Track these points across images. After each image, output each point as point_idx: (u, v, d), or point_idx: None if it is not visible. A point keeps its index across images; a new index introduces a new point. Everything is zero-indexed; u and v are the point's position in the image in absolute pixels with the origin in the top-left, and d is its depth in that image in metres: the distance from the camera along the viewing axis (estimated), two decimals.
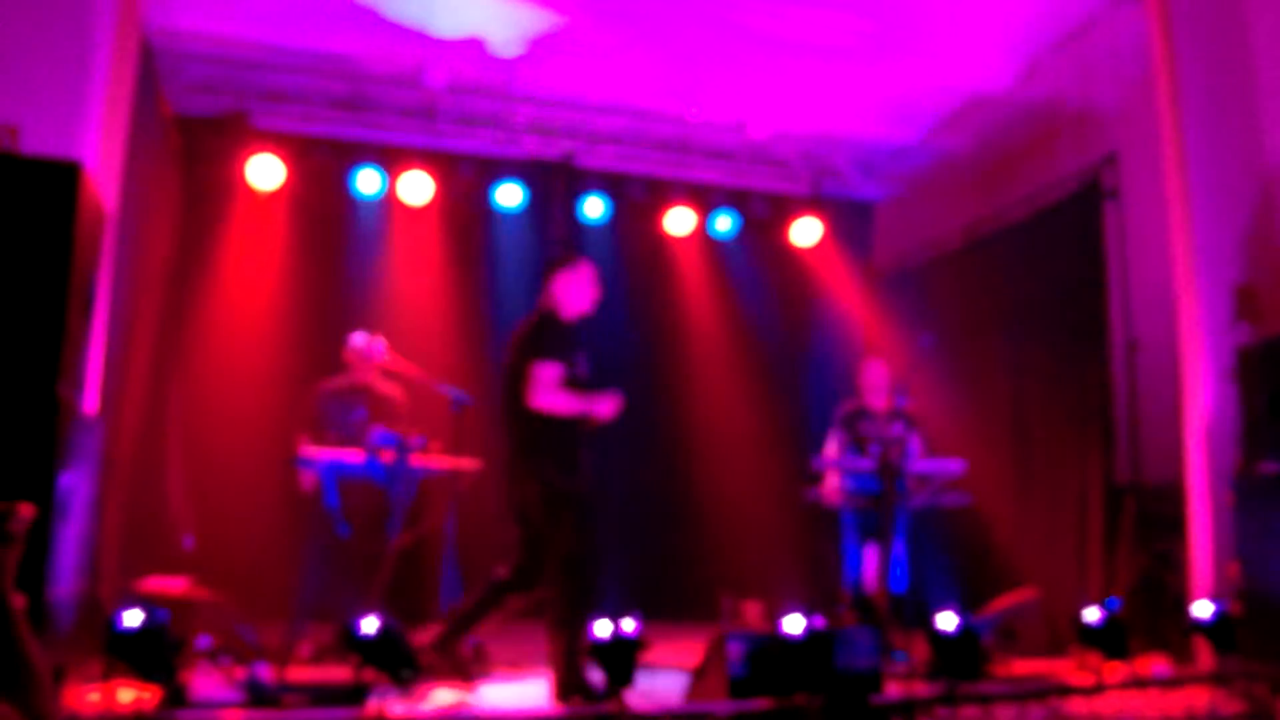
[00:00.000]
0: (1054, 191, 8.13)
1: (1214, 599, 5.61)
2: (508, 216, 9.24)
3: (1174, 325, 6.72)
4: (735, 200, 9.69)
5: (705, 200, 9.61)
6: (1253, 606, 5.62)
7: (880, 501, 6.19)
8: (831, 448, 7.27)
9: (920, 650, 5.23)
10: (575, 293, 5.51)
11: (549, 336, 5.31)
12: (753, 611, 7.79)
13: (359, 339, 7.00)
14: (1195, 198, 6.69)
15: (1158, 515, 6.84)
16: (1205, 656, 5.73)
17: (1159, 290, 7.17)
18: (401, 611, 5.13)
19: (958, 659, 4.77)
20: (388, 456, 6.15)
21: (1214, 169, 6.74)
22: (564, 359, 5.26)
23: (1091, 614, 5.27)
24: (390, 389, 7.12)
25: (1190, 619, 5.59)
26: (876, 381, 7.24)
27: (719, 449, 9.40)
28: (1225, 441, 6.29)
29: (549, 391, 5.17)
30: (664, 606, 8.44)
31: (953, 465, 6.52)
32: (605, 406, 5.26)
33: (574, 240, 9.19)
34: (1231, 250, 6.68)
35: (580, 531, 5.10)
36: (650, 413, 9.54)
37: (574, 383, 5.29)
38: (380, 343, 6.82)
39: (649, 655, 4.59)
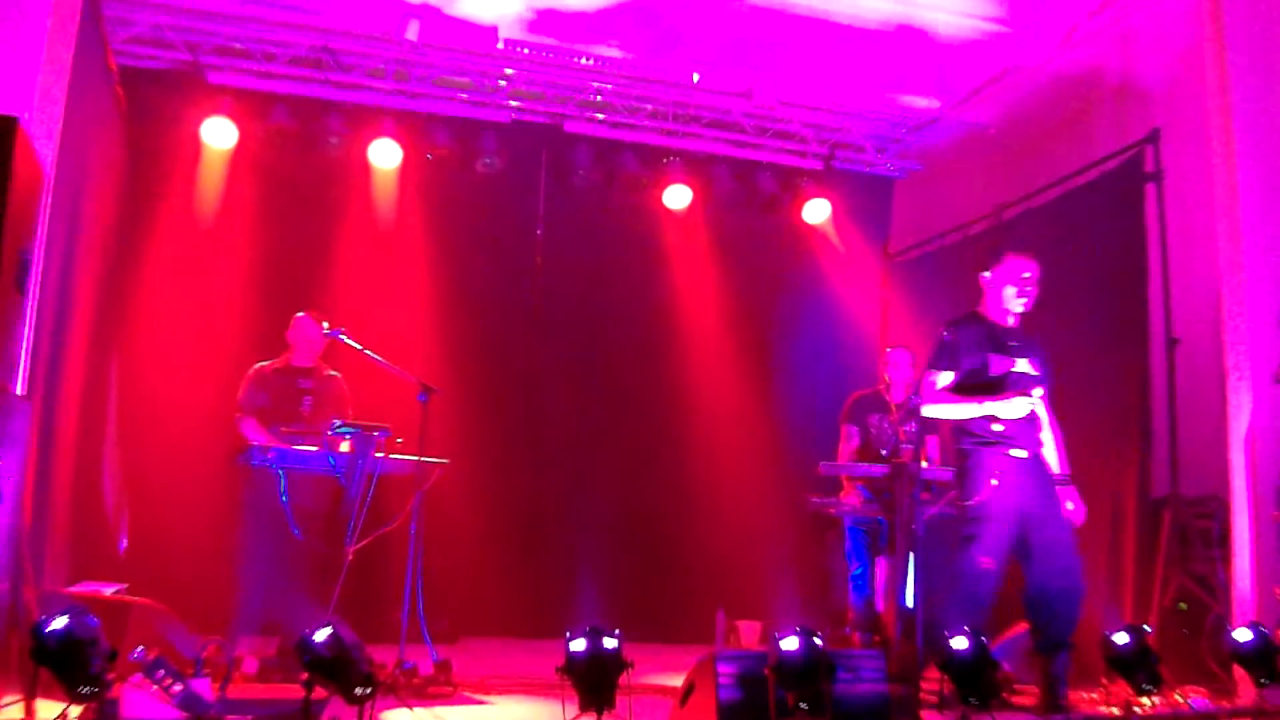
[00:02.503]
0: (1091, 172, 8.08)
1: (1256, 625, 5.58)
2: (489, 185, 9.22)
3: (1219, 321, 6.69)
4: (741, 174, 9.66)
5: (707, 172, 9.58)
6: None
7: (892, 510, 6.15)
8: (847, 446, 7.25)
9: (932, 675, 5.20)
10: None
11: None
12: (750, 632, 7.78)
13: (304, 317, 6.85)
14: (1244, 180, 6.65)
15: (1197, 531, 6.80)
16: (1246, 689, 5.70)
17: (1203, 282, 7.12)
18: (358, 623, 5.08)
19: (973, 686, 4.73)
20: (345, 450, 6.09)
21: (1266, 149, 6.70)
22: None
23: (1121, 638, 5.24)
24: (337, 375, 7.05)
25: (1230, 646, 5.56)
26: (901, 373, 7.24)
27: (716, 450, 9.38)
28: (1273, 450, 6.26)
29: None
30: (653, 625, 8.44)
31: None
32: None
33: (560, 212, 9.18)
34: None
35: None
36: (641, 409, 9.56)
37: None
38: (326, 323, 6.67)
39: (633, 676, 4.55)
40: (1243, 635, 5.49)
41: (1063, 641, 5.53)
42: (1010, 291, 5.81)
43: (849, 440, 7.37)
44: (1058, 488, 5.76)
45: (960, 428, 5.75)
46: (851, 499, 6.93)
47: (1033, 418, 5.73)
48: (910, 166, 10.28)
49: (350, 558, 5.97)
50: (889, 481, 6.20)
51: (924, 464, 6.72)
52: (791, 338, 10.05)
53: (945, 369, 5.72)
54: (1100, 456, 7.44)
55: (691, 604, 8.82)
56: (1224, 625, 6.05)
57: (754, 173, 9.73)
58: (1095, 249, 7.86)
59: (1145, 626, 5.43)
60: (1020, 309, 5.83)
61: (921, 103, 9.55)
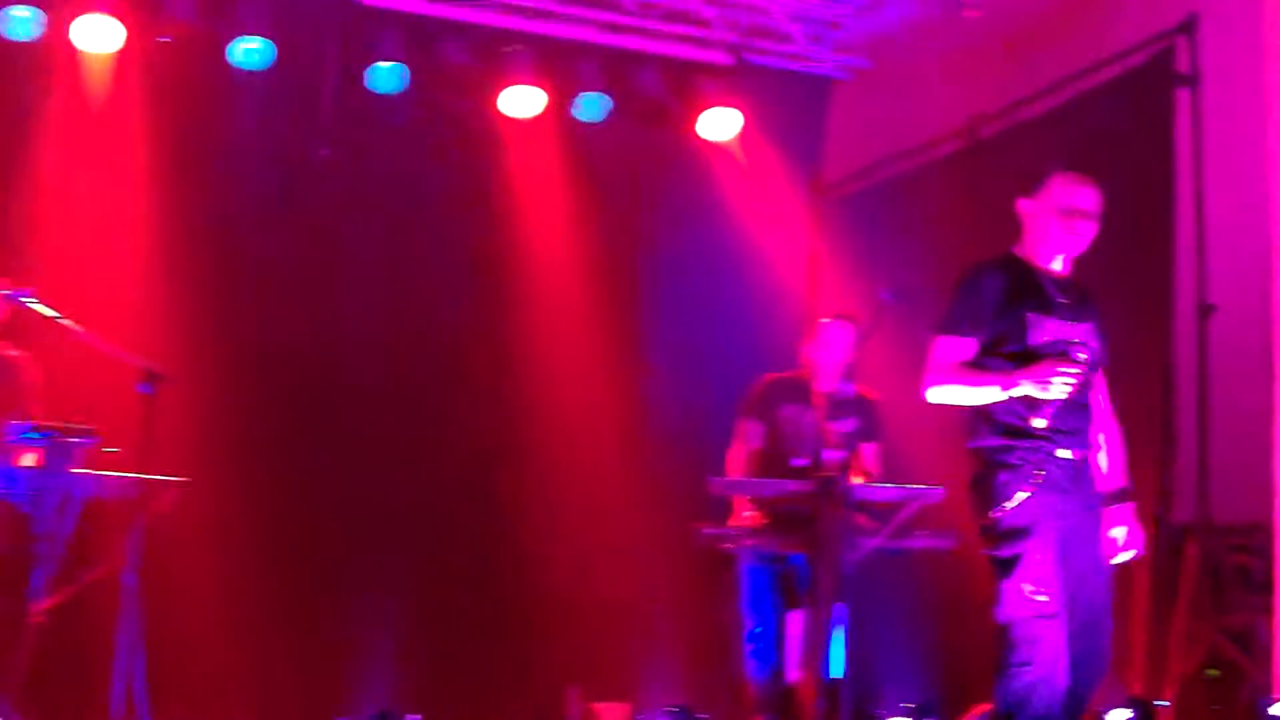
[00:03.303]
0: (1101, 72, 8.27)
1: None
2: (251, 85, 9.19)
3: (1266, 283, 6.90)
4: (614, 70, 9.71)
5: (566, 67, 9.62)
6: None
7: (810, 542, 6.27)
8: (742, 450, 7.32)
9: None
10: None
11: None
12: (613, 716, 7.87)
13: None
14: None
15: (1233, 569, 7.03)
16: None
17: (1248, 229, 7.36)
18: (50, 712, 5.08)
19: None
20: (31, 463, 6.06)
21: None
22: None
23: (1120, 718, 5.39)
24: (21, 355, 7.00)
25: None
26: (834, 354, 7.28)
27: (570, 460, 9.49)
28: None
29: None
30: (476, 709, 8.49)
31: (927, 491, 6.62)
32: None
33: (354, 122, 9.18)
34: None
35: None
36: (462, 403, 9.64)
37: None
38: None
39: None
40: None
41: None
42: (1057, 227, 5.76)
43: (748, 441, 7.45)
44: (1107, 506, 5.73)
45: (981, 417, 5.79)
46: (748, 524, 7.02)
47: (1084, 405, 5.70)
48: (854, 63, 10.42)
49: (39, 619, 5.92)
50: (809, 503, 6.30)
51: (859, 479, 6.84)
52: (681, 303, 10.21)
53: (966, 333, 5.66)
54: None
55: (531, 678, 8.90)
56: (1264, 697, 6.24)
57: (633, 68, 9.78)
58: (1106, 179, 8.05)
59: (1157, 700, 5.59)
60: (1067, 252, 5.79)
61: None
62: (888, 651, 6.94)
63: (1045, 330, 5.61)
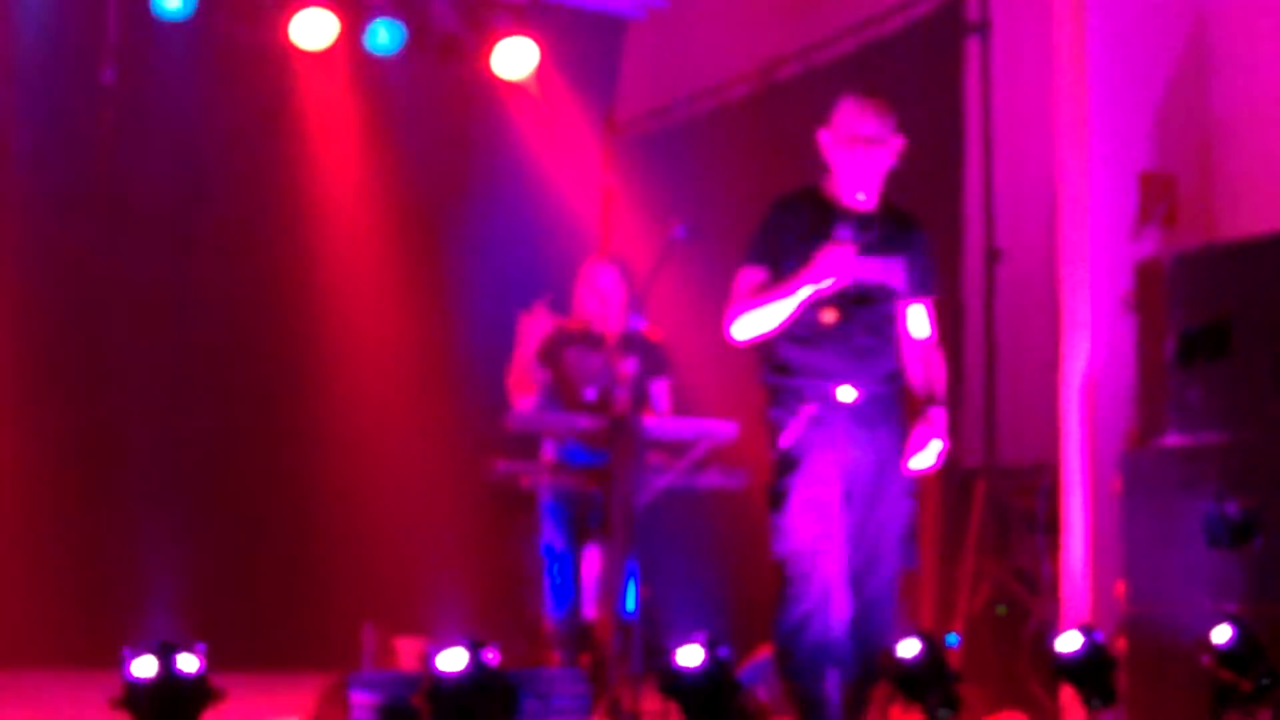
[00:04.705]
0: (893, 19, 8.38)
1: (1088, 629, 5.90)
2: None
3: (1052, 228, 7.04)
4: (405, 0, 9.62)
5: None
6: (1142, 641, 5.99)
7: (606, 479, 6.29)
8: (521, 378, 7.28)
9: (651, 703, 5.37)
10: None
11: None
12: (409, 651, 7.83)
13: None
14: (1095, 40, 6.97)
15: (1019, 511, 7.21)
16: (1075, 713, 6.05)
17: (1035, 176, 7.51)
18: None
19: (706, 714, 4.91)
20: None
21: None
22: None
23: (909, 649, 5.46)
24: None
25: (1057, 658, 5.84)
26: (604, 294, 7.29)
27: (363, 397, 9.50)
28: (1115, 402, 6.66)
29: None
30: (265, 647, 8.49)
31: (719, 426, 6.65)
32: None
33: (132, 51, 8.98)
34: (1143, 120, 7.04)
35: None
36: (251, 338, 9.61)
37: None
38: None
39: (227, 713, 4.55)
40: (1070, 643, 5.68)
41: (864, 675, 5.68)
42: (846, 156, 5.67)
43: (530, 388, 7.42)
44: (922, 420, 5.69)
45: (761, 354, 5.73)
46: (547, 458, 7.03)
47: (870, 346, 5.68)
48: (650, 2, 10.42)
49: None
50: (605, 439, 6.32)
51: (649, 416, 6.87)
52: (473, 242, 10.22)
53: (758, 263, 5.67)
54: None
55: (328, 613, 8.90)
56: (1049, 632, 6.38)
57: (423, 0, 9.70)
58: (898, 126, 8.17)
59: (946, 635, 5.69)
60: (862, 183, 5.68)
61: None
62: (682, 589, 6.97)
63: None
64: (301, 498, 9.47)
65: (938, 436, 5.69)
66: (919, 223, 5.88)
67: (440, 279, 10.13)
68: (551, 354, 7.32)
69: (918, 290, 5.79)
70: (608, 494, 6.35)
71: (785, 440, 5.62)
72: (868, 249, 5.58)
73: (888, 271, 5.70)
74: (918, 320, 5.84)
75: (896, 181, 7.82)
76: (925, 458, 5.71)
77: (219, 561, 9.05)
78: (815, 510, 5.53)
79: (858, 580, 5.63)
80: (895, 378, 5.79)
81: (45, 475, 8.76)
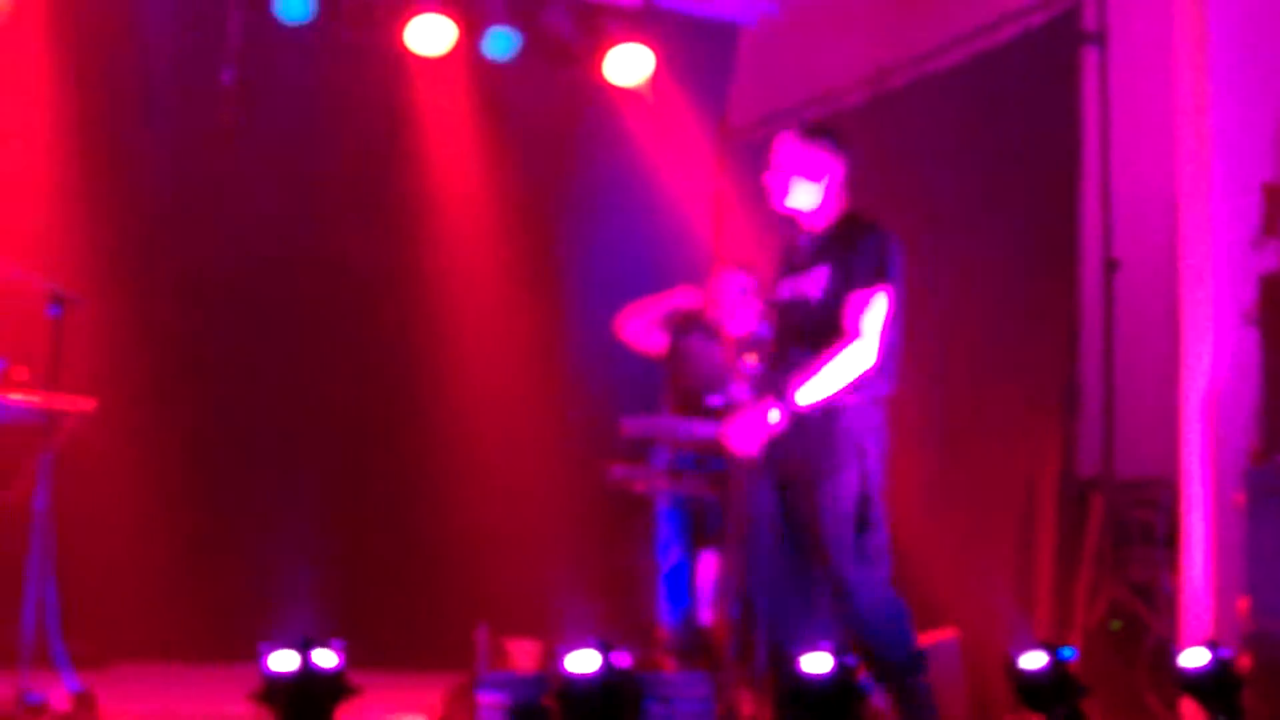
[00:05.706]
0: (1008, 28, 8.33)
1: (1214, 645, 5.87)
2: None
3: (1172, 241, 7.01)
4: (521, 8, 9.68)
5: (473, 5, 9.59)
6: (1268, 657, 5.93)
7: (723, 485, 6.32)
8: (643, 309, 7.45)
9: (768, 710, 5.41)
10: None
11: None
12: (525, 654, 7.90)
13: None
14: (1217, 50, 6.95)
15: (1136, 525, 7.19)
16: None
17: (1153, 186, 7.48)
18: None
19: None
20: None
21: (1248, 8, 7.03)
22: None
23: (1034, 661, 5.47)
24: None
25: (1178, 673, 5.81)
26: (736, 301, 7.36)
27: (478, 403, 9.57)
28: (1236, 416, 6.63)
29: None
30: (384, 648, 8.46)
31: None
32: None
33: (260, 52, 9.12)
34: (1266, 130, 7.00)
35: None
36: (373, 344, 9.68)
37: None
38: None
39: (361, 711, 4.64)
40: (1195, 659, 5.68)
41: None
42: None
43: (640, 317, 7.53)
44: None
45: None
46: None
47: (773, 368, 5.81)
48: (763, 9, 10.45)
49: None
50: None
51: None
52: (588, 246, 10.28)
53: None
54: (1010, 422, 7.72)
55: (443, 615, 8.95)
56: (1169, 648, 6.38)
57: (538, 7, 9.77)
58: (1010, 136, 8.10)
59: (1063, 648, 5.67)
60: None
61: None
62: (798, 596, 6.99)
63: (783, 289, 5.89)
64: (419, 499, 9.57)
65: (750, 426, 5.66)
66: (869, 228, 5.80)
67: (555, 283, 10.20)
68: (679, 329, 7.39)
69: (841, 287, 5.71)
70: (724, 500, 6.40)
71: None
72: (793, 270, 5.87)
73: (820, 281, 5.76)
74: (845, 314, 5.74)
75: (1005, 195, 7.88)
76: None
77: (342, 562, 9.18)
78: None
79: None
80: None
81: (179, 473, 8.88)
